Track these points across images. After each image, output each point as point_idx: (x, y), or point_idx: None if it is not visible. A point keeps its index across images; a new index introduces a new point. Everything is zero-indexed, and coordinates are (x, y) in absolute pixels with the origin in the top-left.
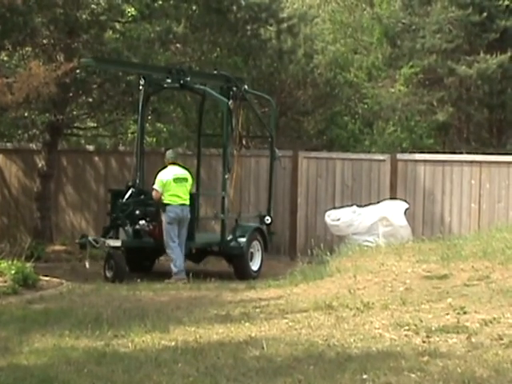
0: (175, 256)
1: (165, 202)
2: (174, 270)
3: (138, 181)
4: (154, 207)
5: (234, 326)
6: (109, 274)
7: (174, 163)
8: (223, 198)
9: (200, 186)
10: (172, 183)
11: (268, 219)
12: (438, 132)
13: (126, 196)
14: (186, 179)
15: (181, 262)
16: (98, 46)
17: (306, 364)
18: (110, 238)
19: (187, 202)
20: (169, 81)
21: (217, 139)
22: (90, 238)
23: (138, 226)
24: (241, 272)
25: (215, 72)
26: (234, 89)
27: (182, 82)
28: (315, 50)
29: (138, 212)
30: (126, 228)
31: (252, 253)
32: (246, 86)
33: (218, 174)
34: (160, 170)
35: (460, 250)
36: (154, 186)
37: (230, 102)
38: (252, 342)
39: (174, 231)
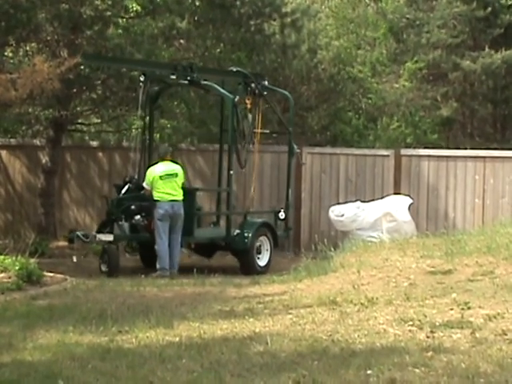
0: (160, 253)
1: (155, 198)
2: (158, 266)
3: (136, 176)
4: (149, 202)
5: (238, 321)
6: (104, 268)
7: (164, 159)
8: (228, 193)
9: (221, 181)
10: (159, 180)
11: (282, 215)
12: (442, 127)
13: (123, 191)
14: (175, 175)
15: (165, 261)
16: (101, 42)
17: (310, 359)
18: (102, 232)
19: (179, 198)
20: (173, 77)
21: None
22: (79, 233)
23: (133, 221)
24: (246, 267)
25: (233, 69)
26: (252, 85)
27: (189, 78)
28: (319, 45)
29: (133, 207)
30: (120, 223)
31: (260, 248)
32: (265, 82)
33: (223, 169)
34: (149, 167)
35: (464, 246)
36: (144, 183)
37: (237, 98)
38: (256, 338)
39: (163, 228)
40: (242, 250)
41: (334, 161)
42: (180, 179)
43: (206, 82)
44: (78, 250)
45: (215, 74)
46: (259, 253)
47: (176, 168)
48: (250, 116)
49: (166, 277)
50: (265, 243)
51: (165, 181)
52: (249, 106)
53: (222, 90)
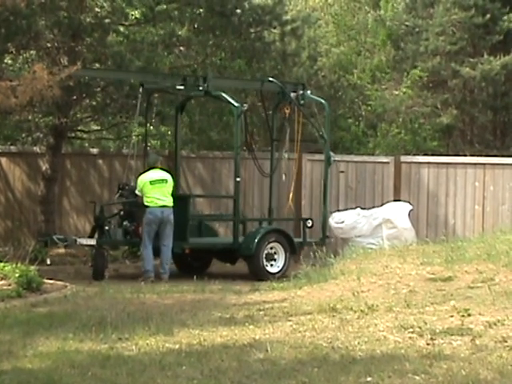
0: (144, 256)
1: (145, 204)
2: (142, 269)
3: (132, 183)
4: (137, 208)
5: (238, 328)
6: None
7: (153, 167)
8: (235, 200)
9: (273, 189)
10: (148, 185)
11: (309, 222)
12: (442, 134)
13: (115, 197)
14: (164, 181)
15: (149, 263)
16: (101, 49)
17: (311, 367)
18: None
19: (169, 204)
20: (180, 88)
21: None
22: (55, 237)
23: (122, 226)
24: (253, 272)
25: (269, 79)
26: (290, 95)
27: (203, 89)
28: (319, 52)
29: (121, 212)
30: (107, 228)
31: (272, 255)
32: (308, 92)
33: (223, 176)
34: (140, 175)
35: (464, 253)
36: (136, 191)
37: (245, 107)
38: (256, 345)
39: (148, 233)
40: (247, 255)
41: (334, 168)
42: (170, 186)
43: (217, 92)
44: (79, 258)
45: (248, 85)
46: (270, 259)
47: (165, 175)
48: (286, 125)
49: (151, 278)
50: (278, 250)
51: (154, 186)
52: (286, 115)
53: (230, 99)
